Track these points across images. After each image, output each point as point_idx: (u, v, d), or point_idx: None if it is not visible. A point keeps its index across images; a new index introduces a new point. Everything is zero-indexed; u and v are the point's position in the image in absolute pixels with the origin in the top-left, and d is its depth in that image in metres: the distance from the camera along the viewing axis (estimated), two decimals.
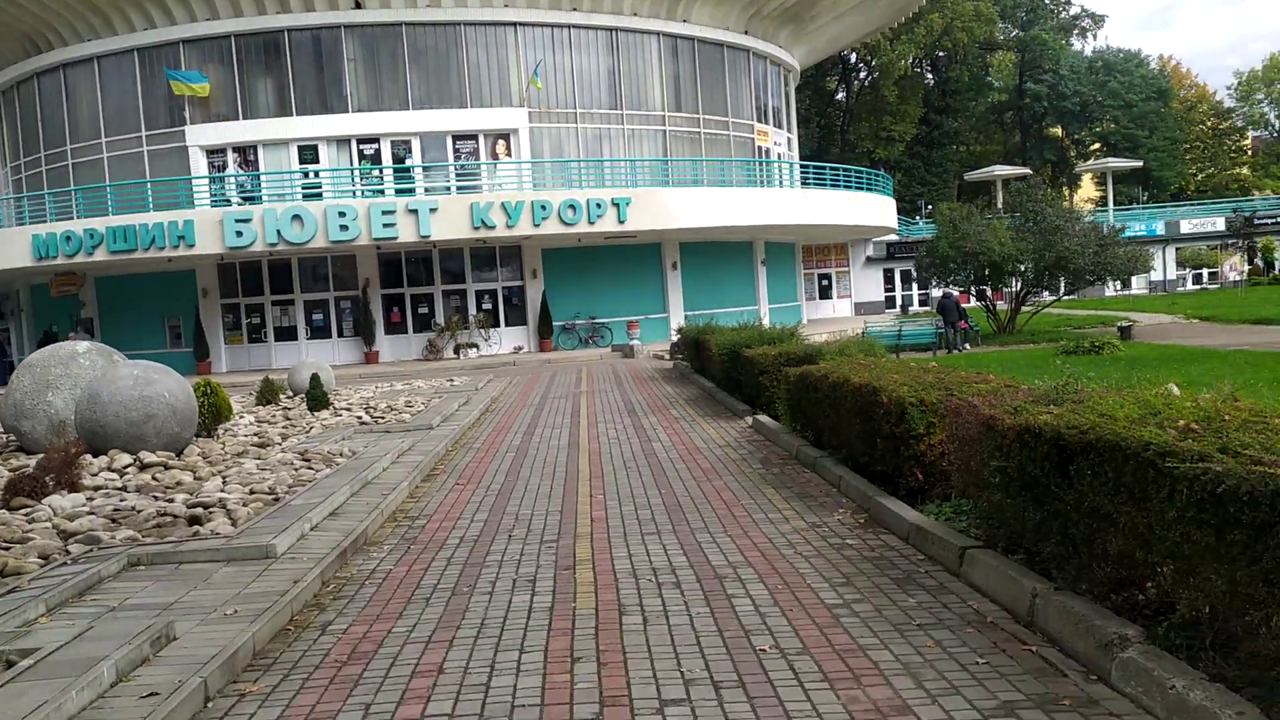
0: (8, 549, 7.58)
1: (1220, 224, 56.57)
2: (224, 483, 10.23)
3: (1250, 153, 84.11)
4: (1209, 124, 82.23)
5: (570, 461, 11.64)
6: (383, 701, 4.72)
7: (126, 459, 11.46)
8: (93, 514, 8.76)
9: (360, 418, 15.79)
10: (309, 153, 34.09)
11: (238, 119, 33.91)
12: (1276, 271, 55.64)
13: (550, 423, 15.38)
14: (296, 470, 10.92)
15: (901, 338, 26.19)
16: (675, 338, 26.81)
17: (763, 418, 13.24)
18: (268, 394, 19.19)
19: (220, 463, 11.71)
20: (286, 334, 33.97)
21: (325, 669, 5.22)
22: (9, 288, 39.48)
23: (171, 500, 9.26)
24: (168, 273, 33.11)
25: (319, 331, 33.97)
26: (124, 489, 10.12)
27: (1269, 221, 57.26)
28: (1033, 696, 4.36)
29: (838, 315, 47.40)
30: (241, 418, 16.31)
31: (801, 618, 5.59)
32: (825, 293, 49.08)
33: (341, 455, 11.87)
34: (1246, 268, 55.12)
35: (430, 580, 6.89)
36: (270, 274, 33.83)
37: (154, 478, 10.62)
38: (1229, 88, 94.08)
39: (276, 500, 9.24)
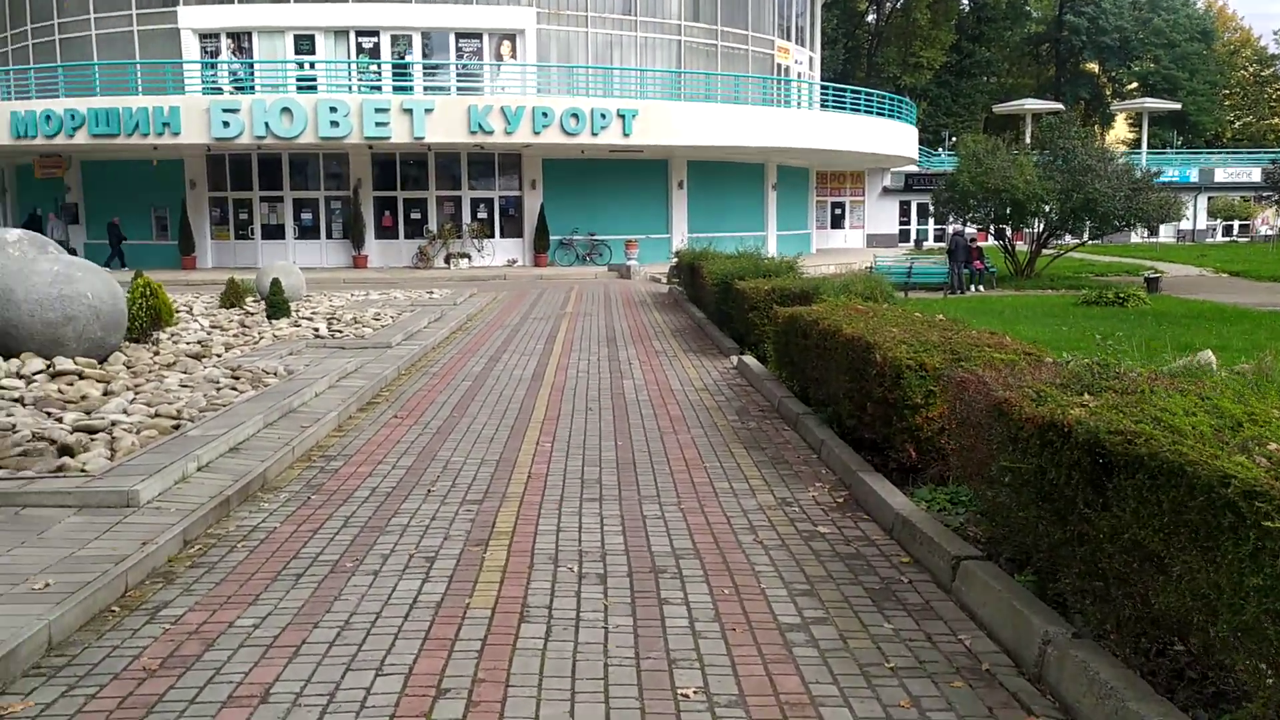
0: None
1: (1256, 175, 54.18)
2: (131, 401, 9.03)
3: None
4: (1250, 70, 79.10)
5: (528, 398, 10.41)
6: None
7: (39, 364, 10.27)
8: None
9: (317, 330, 14.55)
10: (305, 43, 32.28)
11: (233, 2, 32.06)
12: None
13: (522, 348, 14.13)
14: (219, 390, 9.71)
15: (912, 275, 24.73)
16: (674, 261, 25.42)
17: (749, 359, 11.98)
18: (232, 296, 17.95)
19: (144, 374, 10.51)
20: (274, 232, 32.58)
21: (122, 681, 4.04)
22: None
23: (60, 420, 8.07)
24: (155, 161, 31.59)
25: (307, 232, 32.56)
26: (19, 400, 8.94)
27: None
28: None
29: (848, 246, 45.77)
30: (194, 322, 15.09)
31: (745, 645, 4.39)
32: (837, 222, 47.33)
33: (275, 375, 10.66)
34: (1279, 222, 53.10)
35: (313, 548, 5.70)
36: (260, 169, 32.31)
37: (59, 390, 9.43)
38: (1276, 33, 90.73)
39: (177, 428, 8.04)
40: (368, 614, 4.72)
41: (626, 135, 29.48)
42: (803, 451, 8.04)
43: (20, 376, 10.02)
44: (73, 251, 30.92)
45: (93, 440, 7.42)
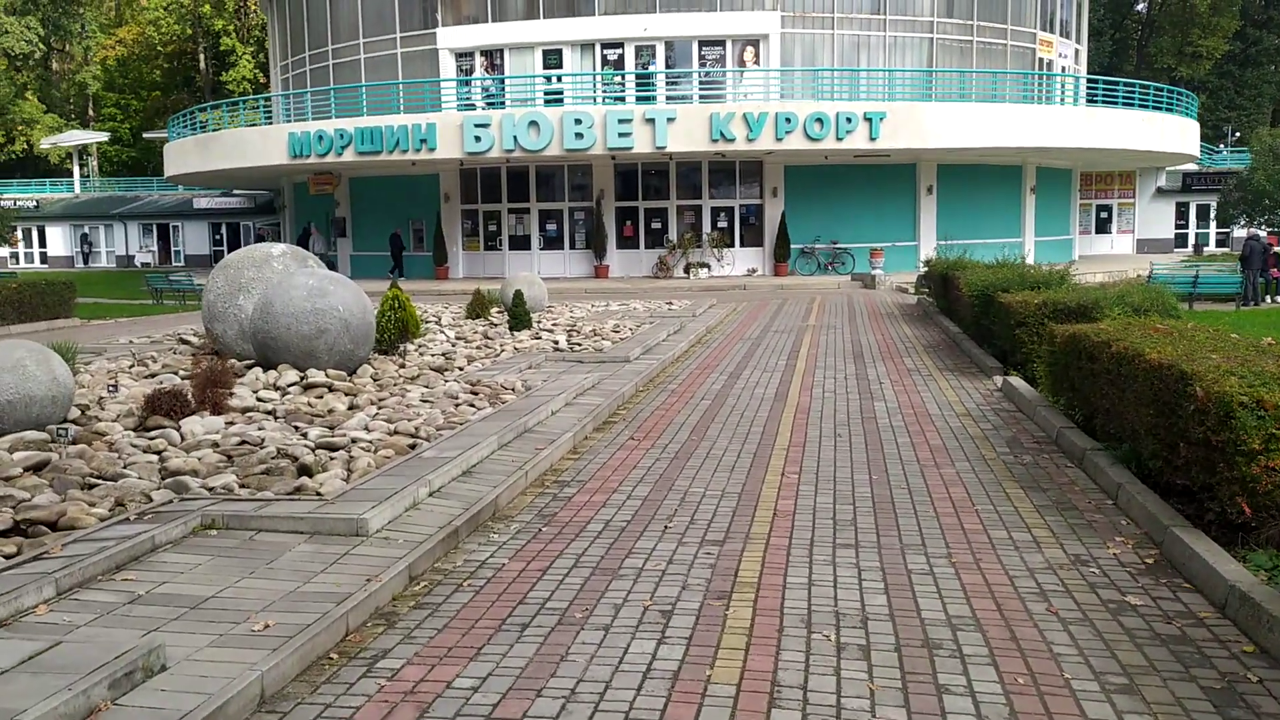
0: (92, 486, 6.54)
1: None
2: (373, 416, 8.99)
3: None
4: None
5: (771, 421, 9.68)
6: None
7: (293, 376, 10.53)
8: (216, 445, 7.69)
9: (557, 343, 14.39)
10: (553, 58, 32.96)
11: (487, 21, 33.15)
12: None
13: (763, 364, 13.42)
14: (457, 406, 9.56)
15: (1198, 285, 22.17)
16: (923, 269, 23.98)
17: (1015, 380, 10.76)
18: (478, 307, 18.23)
19: (389, 387, 10.56)
20: (521, 243, 33.40)
21: None
22: (276, 184, 41.17)
23: (305, 435, 8.08)
24: (413, 176, 33.13)
25: (552, 242, 33.18)
26: (271, 414, 9.09)
27: None
28: None
29: (1115, 252, 42.25)
30: (441, 333, 15.32)
31: None
32: (1103, 226, 43.77)
33: (513, 390, 10.44)
34: None
35: (541, 592, 5.22)
36: (509, 181, 33.24)
37: (309, 403, 9.56)
38: None
39: (413, 447, 7.86)
40: (596, 682, 4.15)
41: (873, 139, 28.22)
42: (1094, 495, 6.90)
43: (276, 388, 10.28)
44: (331, 265, 33.09)
45: (331, 459, 7.31)
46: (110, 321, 22.65)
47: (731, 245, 32.27)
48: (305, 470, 6.95)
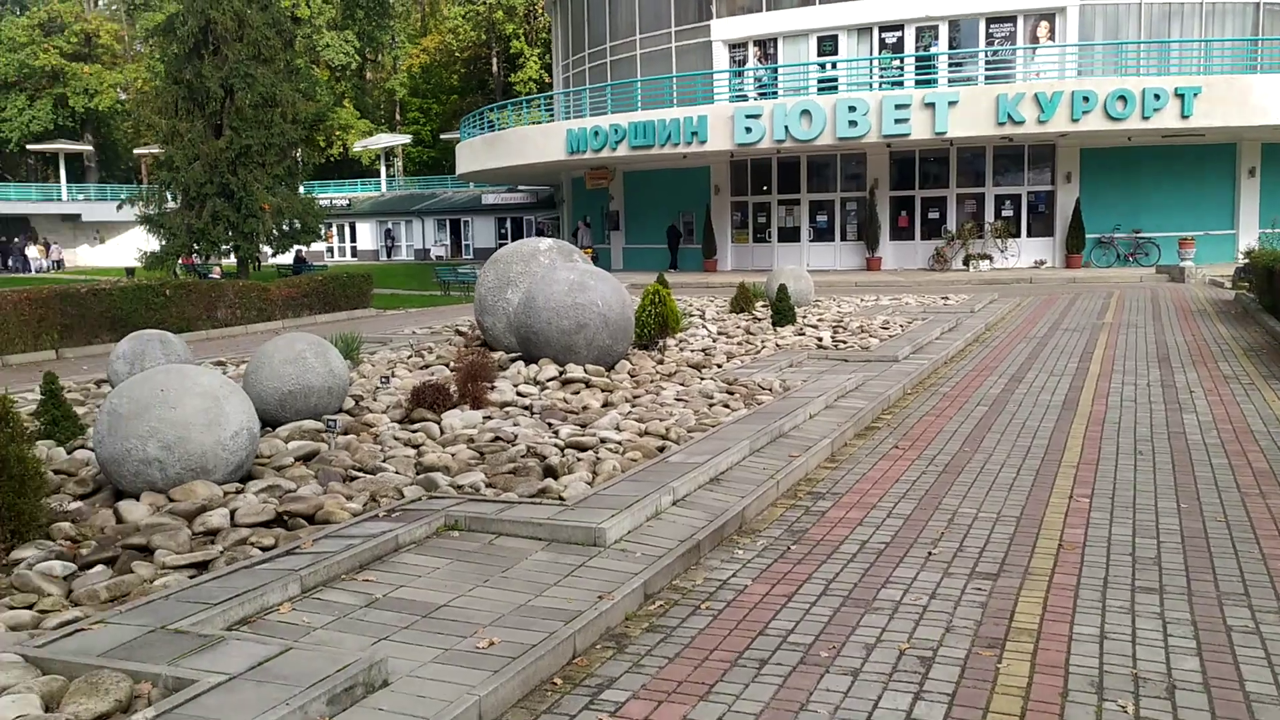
0: (353, 478, 6.69)
1: None
2: (626, 414, 8.81)
3: None
4: None
5: (1057, 433, 8.67)
6: None
7: (552, 371, 10.57)
8: (471, 441, 7.74)
9: (820, 340, 13.77)
10: (828, 44, 32.10)
11: (761, 11, 32.76)
12: None
13: (1049, 366, 12.22)
14: (711, 406, 9.21)
15: None
16: (1242, 262, 21.35)
17: None
18: (742, 301, 17.89)
19: (645, 384, 10.39)
20: (790, 235, 32.81)
21: None
22: (556, 179, 42.72)
23: (557, 434, 7.99)
24: (684, 169, 33.31)
25: (822, 234, 32.36)
26: (528, 409, 9.12)
27: None
28: None
29: None
30: (703, 328, 15.08)
31: None
32: None
33: (770, 390, 9.98)
34: None
35: (784, 622, 4.74)
36: (779, 172, 32.72)
37: (565, 399, 9.54)
38: None
39: (662, 449, 7.58)
40: None
41: (1185, 117, 25.48)
42: None
43: (536, 383, 10.34)
44: (595, 260, 33.88)
45: (578, 460, 7.14)
46: (401, 312, 24.11)
47: (1016, 235, 30.22)
48: (550, 471, 6.80)
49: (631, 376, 10.78)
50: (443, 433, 8.14)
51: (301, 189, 50.32)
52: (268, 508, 5.83)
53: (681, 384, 10.37)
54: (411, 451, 7.39)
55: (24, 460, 5.06)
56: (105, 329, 17.06)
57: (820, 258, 31.70)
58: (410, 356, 13.02)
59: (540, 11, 65.32)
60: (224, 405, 6.28)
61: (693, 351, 12.66)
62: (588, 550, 5.46)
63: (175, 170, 30.61)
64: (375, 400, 9.41)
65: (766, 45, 33.00)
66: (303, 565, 4.99)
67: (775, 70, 32.26)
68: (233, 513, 5.78)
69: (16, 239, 55.28)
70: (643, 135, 30.20)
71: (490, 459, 7.22)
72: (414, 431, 8.14)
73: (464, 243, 54.81)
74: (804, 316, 16.41)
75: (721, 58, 33.28)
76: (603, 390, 9.97)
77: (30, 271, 51.55)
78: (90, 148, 64.64)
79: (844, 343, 13.52)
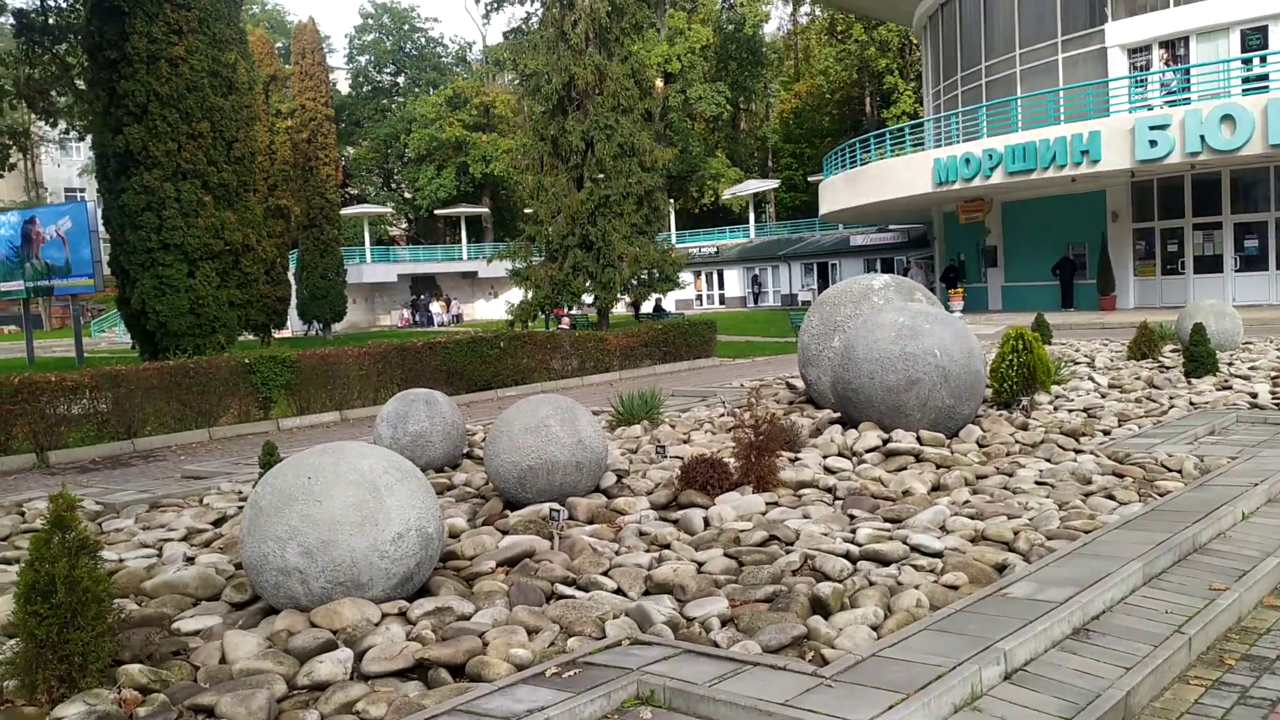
0: (560, 596, 4.99)
1: None
2: (960, 505, 6.47)
3: None
4: None
5: None
6: None
7: (874, 438, 8.42)
8: (737, 542, 5.83)
9: (1254, 396, 10.35)
10: (1255, 38, 26.95)
11: (1168, 7, 28.23)
12: None
13: None
14: (1086, 497, 6.60)
15: None
16: None
17: None
18: (1143, 344, 14.47)
19: (996, 459, 7.93)
20: (1209, 265, 27.66)
21: None
22: (926, 215, 39.64)
23: (853, 533, 5.86)
24: (1072, 194, 29.29)
25: (1251, 262, 26.92)
26: (831, 491, 7.05)
27: None
28: None
29: None
30: (1089, 380, 12.09)
31: None
32: None
33: (1179, 472, 7.13)
34: None
35: None
36: (1193, 192, 27.78)
37: (881, 478, 7.37)
38: None
39: (1001, 568, 5.21)
40: None
41: None
42: None
43: (851, 454, 8.25)
44: (965, 301, 30.52)
45: (870, 583, 4.98)
46: (747, 361, 22.67)
47: None
48: (820, 605, 4.70)
49: (980, 447, 8.33)
50: (707, 526, 6.29)
51: (668, 237, 50.96)
52: (407, 650, 4.25)
53: (1047, 460, 7.78)
54: (647, 558, 5.58)
55: (77, 581, 3.82)
56: (441, 382, 16.97)
57: (1249, 290, 26.41)
58: (722, 415, 11.32)
59: (914, 43, 62.44)
60: (384, 499, 4.84)
61: (1070, 412, 9.89)
62: None
63: (540, 224, 31.48)
64: (644, 477, 7.74)
65: (1175, 46, 28.37)
66: None
67: (1187, 72, 27.54)
68: (361, 655, 4.26)
69: (423, 295, 60.92)
70: (1021, 159, 26.84)
71: (747, 573, 5.23)
72: (671, 523, 6.37)
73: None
74: (1229, 364, 12.83)
75: (1118, 64, 29.02)
76: (937, 466, 7.66)
77: (433, 325, 56.37)
78: (486, 210, 70.10)
79: None
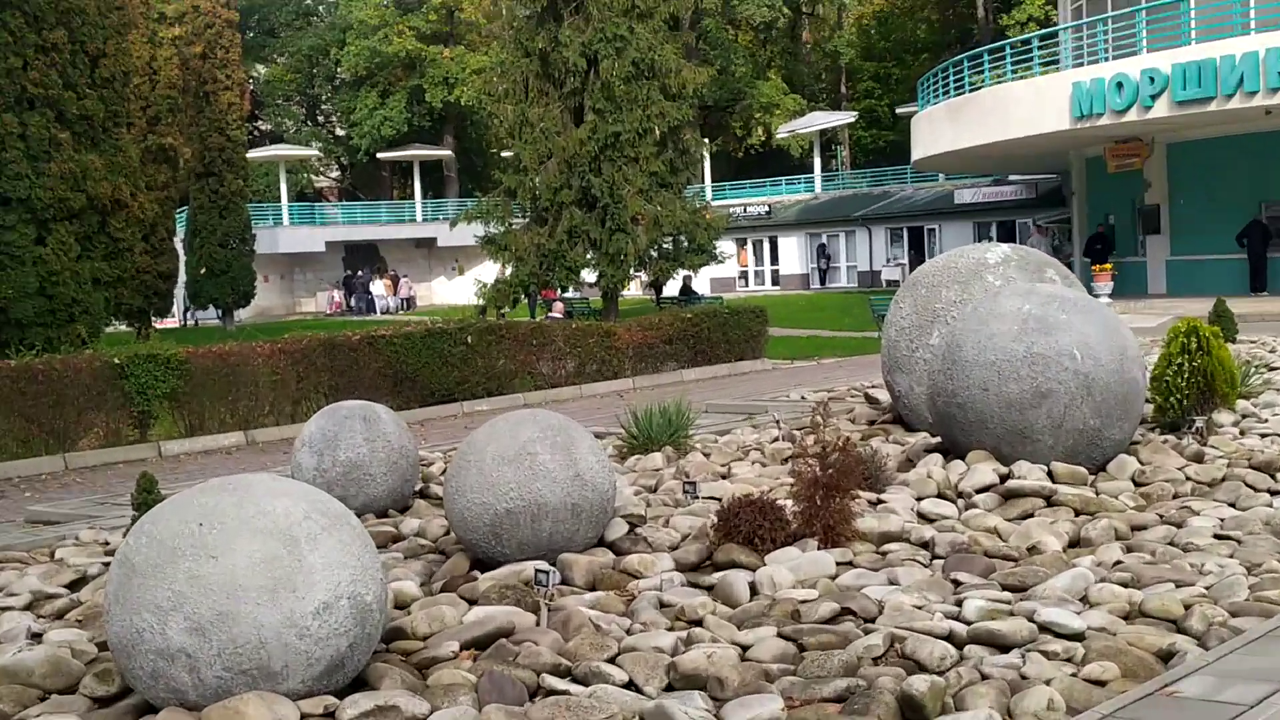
0: (550, 691, 5.01)
1: None
2: (1108, 569, 6.49)
3: None
4: None
5: None
6: None
7: (988, 474, 8.54)
8: (796, 615, 5.89)
9: None
10: None
11: None
12: None
13: None
14: None
15: None
16: None
17: None
18: None
19: (1158, 502, 8.02)
20: None
21: None
22: (1063, 162, 39.67)
23: (959, 605, 5.89)
24: (1268, 133, 29.33)
25: None
26: (926, 546, 7.11)
27: None
28: None
29: None
30: None
31: None
32: None
33: None
34: None
35: None
36: None
37: (996, 528, 7.52)
38: None
39: (1167, 657, 5.23)
40: None
41: None
42: None
43: (957, 495, 8.32)
44: (1115, 278, 30.27)
45: (981, 676, 4.99)
46: (812, 364, 22.86)
47: None
48: (913, 707, 4.70)
49: (1136, 486, 8.43)
50: (754, 595, 6.35)
51: (701, 191, 50.97)
52: None
53: (1231, 504, 7.84)
54: (671, 639, 5.63)
55: None
56: (385, 391, 17.09)
57: None
58: (775, 441, 11.40)
59: None
60: (304, 555, 4.89)
61: (1263, 438, 9.91)
62: None
63: (524, 173, 31.67)
64: (666, 526, 7.81)
65: None
66: None
67: None
68: None
69: (360, 272, 61.00)
70: (1196, 83, 27.08)
71: (811, 661, 5.28)
72: (704, 590, 6.42)
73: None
74: None
75: None
76: (1076, 513, 7.74)
77: (375, 311, 56.49)
78: (449, 153, 70.48)
79: None
